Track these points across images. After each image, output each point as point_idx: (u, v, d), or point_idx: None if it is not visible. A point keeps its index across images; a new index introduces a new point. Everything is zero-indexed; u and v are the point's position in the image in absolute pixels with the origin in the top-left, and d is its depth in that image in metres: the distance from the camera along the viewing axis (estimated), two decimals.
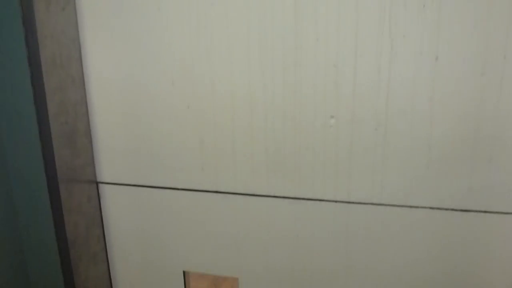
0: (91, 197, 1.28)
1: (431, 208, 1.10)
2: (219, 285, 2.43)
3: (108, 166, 1.27)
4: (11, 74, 1.07)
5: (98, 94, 1.22)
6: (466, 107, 1.02)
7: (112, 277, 1.41)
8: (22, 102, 1.09)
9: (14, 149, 1.14)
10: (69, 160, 1.17)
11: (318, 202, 1.16)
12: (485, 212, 1.08)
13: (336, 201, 1.15)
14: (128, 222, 1.32)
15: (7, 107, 1.11)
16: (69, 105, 1.15)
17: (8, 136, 1.14)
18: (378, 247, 1.16)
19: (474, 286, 1.13)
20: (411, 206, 1.11)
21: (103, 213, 1.32)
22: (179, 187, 1.24)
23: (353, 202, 1.14)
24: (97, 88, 1.22)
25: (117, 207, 1.31)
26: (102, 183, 1.29)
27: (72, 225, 1.19)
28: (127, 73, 1.18)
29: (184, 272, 1.33)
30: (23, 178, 1.17)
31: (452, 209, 1.09)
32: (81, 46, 1.19)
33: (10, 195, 1.19)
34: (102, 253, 1.36)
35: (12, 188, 1.18)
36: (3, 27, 1.05)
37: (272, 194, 1.18)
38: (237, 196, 1.21)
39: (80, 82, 1.19)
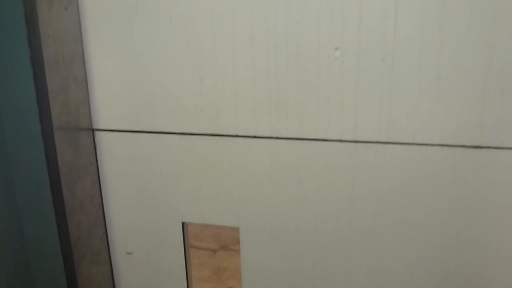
0: (94, 196, 1.27)
1: (440, 145, 1.05)
2: (221, 275, 2.40)
3: (103, 112, 1.23)
4: (14, 74, 1.07)
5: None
6: (477, 34, 0.97)
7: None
8: (25, 102, 1.08)
9: (16, 149, 1.14)
10: (72, 159, 1.16)
11: (322, 142, 1.11)
12: (498, 148, 1.03)
13: (341, 141, 1.10)
14: (124, 171, 1.27)
15: (9, 107, 1.11)
16: (72, 104, 1.14)
17: (11, 136, 1.13)
18: (385, 188, 1.11)
19: (487, 224, 1.08)
20: (420, 144, 1.06)
21: (98, 161, 1.27)
22: (177, 131, 1.19)
23: (359, 141, 1.09)
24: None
25: (113, 155, 1.26)
26: (98, 130, 1.25)
27: (75, 225, 1.18)
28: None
29: (183, 224, 1.28)
30: (25, 178, 1.16)
31: (463, 146, 1.05)
32: (84, 45, 1.18)
33: (13, 195, 1.18)
34: (105, 253, 1.35)
35: (14, 188, 1.17)
36: (5, 27, 1.04)
37: (274, 135, 1.14)
38: (238, 138, 1.16)
39: (83, 82, 1.19)
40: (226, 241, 2.72)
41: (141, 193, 1.28)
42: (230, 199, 1.22)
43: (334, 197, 1.15)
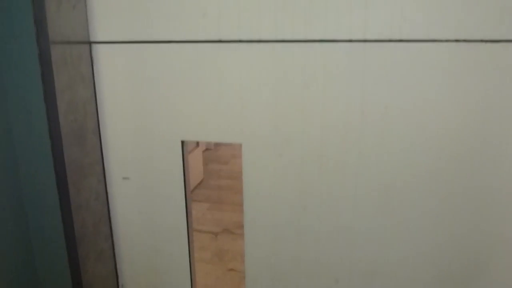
0: (99, 194, 1.27)
1: (456, 41, 0.99)
2: (223, 256, 2.32)
3: (101, 23, 1.17)
4: (22, 72, 1.08)
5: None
6: None
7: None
8: (33, 100, 1.09)
9: (24, 147, 1.15)
10: (78, 158, 1.16)
11: (330, 43, 1.05)
12: None
13: (350, 41, 1.04)
14: (123, 86, 1.21)
15: (17, 105, 1.12)
16: (79, 103, 1.15)
17: (18, 134, 1.14)
18: (398, 91, 1.03)
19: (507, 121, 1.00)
20: (434, 40, 1.00)
21: (95, 79, 1.21)
22: (177, 39, 1.14)
23: (369, 40, 1.03)
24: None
25: (111, 69, 1.20)
26: (96, 43, 1.19)
27: (80, 223, 1.18)
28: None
29: (182, 142, 1.21)
30: (32, 175, 1.17)
31: (481, 41, 0.98)
32: (91, 44, 1.18)
33: (20, 192, 1.19)
34: (109, 250, 1.34)
35: (21, 185, 1.19)
36: (15, 26, 1.06)
37: (280, 38, 1.07)
38: (242, 44, 1.10)
39: (89, 80, 1.19)
40: (228, 225, 2.65)
41: (139, 111, 1.21)
42: (232, 112, 1.15)
43: (342, 103, 1.07)
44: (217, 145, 4.47)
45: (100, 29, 1.18)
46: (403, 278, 1.15)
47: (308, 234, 1.18)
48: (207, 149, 4.29)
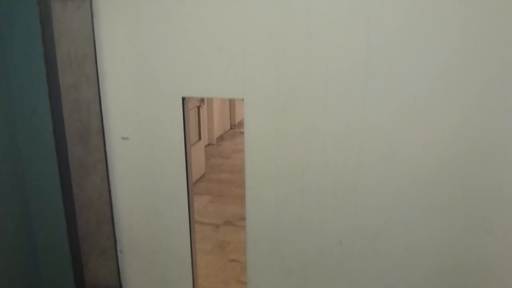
0: (102, 193, 1.27)
1: None
2: (224, 247, 2.29)
3: None
4: (28, 72, 1.10)
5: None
6: None
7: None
8: (38, 99, 1.11)
9: (28, 146, 1.17)
10: (82, 156, 1.17)
11: None
12: None
13: None
14: (122, 40, 1.19)
15: (22, 104, 1.13)
16: (83, 103, 1.16)
17: (23, 133, 1.15)
18: (405, 41, 1.01)
19: None
20: None
21: (95, 32, 1.19)
22: None
23: None
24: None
25: (111, 23, 1.18)
26: None
27: (83, 221, 1.19)
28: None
29: (183, 99, 1.18)
30: (36, 174, 1.18)
31: None
32: (96, 44, 1.19)
33: (24, 191, 1.20)
34: (112, 249, 1.34)
35: (25, 184, 1.19)
36: (20, 26, 1.07)
37: None
38: None
39: (94, 80, 1.20)
40: (230, 217, 2.62)
41: (139, 67, 1.19)
42: (234, 66, 1.12)
43: (347, 53, 1.05)
44: (219, 140, 4.45)
45: None
46: (405, 240, 1.11)
47: (312, 193, 1.15)
48: (209, 144, 4.26)
